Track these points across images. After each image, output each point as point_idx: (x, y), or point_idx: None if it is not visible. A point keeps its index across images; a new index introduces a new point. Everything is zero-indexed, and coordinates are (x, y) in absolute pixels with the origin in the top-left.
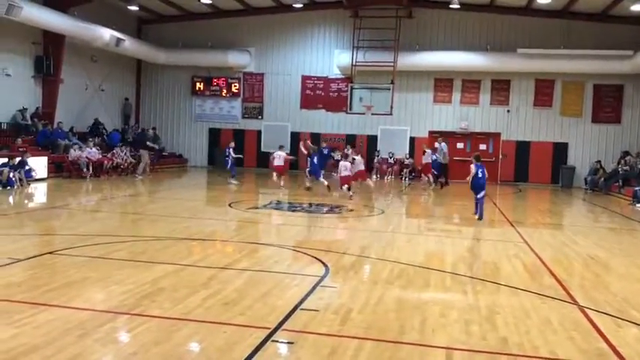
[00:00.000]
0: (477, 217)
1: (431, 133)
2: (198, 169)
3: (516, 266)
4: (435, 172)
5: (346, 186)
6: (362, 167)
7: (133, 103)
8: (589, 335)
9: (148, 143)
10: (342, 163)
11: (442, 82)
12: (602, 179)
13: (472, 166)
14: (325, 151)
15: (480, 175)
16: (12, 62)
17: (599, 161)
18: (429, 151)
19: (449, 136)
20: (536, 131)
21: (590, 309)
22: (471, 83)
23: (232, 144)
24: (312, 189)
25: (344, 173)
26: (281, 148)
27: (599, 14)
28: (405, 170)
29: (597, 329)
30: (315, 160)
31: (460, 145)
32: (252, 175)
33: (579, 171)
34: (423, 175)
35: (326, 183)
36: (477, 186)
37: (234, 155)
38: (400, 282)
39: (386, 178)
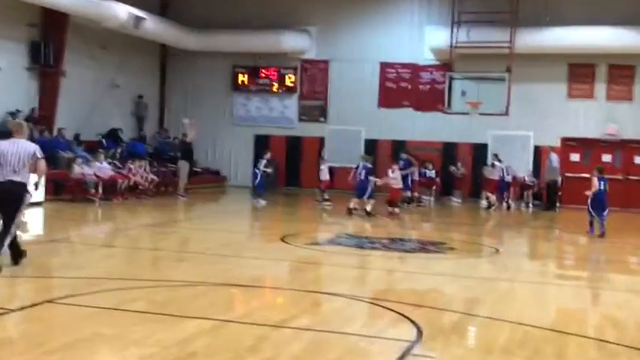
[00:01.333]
0: (596, 234)
1: (564, 140)
2: (241, 189)
3: None
4: (503, 191)
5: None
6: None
7: (155, 102)
8: None
9: (188, 139)
10: (391, 174)
11: (580, 70)
12: None
13: (594, 179)
14: (401, 164)
15: (602, 188)
16: (1, 50)
17: None
18: (498, 164)
19: (591, 145)
20: None
21: None
22: (621, 70)
23: (267, 155)
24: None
25: (393, 184)
26: (323, 159)
27: None
28: (526, 193)
29: None
30: (363, 173)
31: (607, 158)
32: (312, 198)
33: None
34: (483, 193)
35: (368, 208)
36: (598, 203)
37: (263, 169)
38: (525, 351)
39: (504, 202)
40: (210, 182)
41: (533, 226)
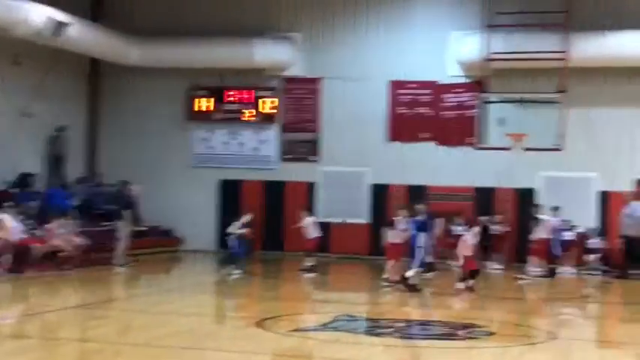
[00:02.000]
0: None
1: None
2: (201, 255)
3: None
4: (554, 254)
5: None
6: None
7: (82, 137)
8: None
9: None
10: (466, 236)
11: None
12: None
13: None
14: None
15: None
16: None
17: None
18: (545, 217)
19: None
20: None
21: None
22: None
23: (246, 217)
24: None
25: (465, 251)
26: (304, 212)
27: None
28: (591, 257)
29: None
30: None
31: None
32: (299, 267)
33: None
34: (532, 257)
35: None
36: None
37: (237, 232)
38: None
39: (558, 267)
40: (159, 245)
41: (602, 301)
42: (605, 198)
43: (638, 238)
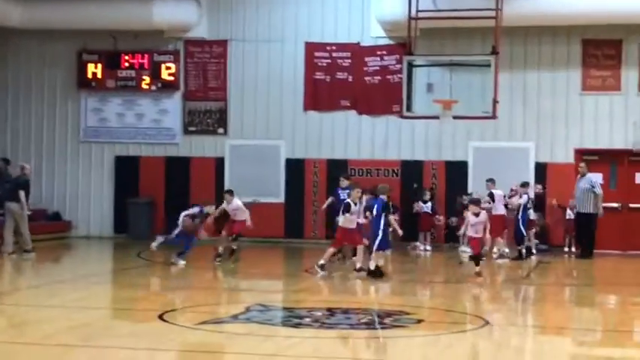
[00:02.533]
0: None
1: (579, 153)
2: (95, 241)
3: None
4: (523, 233)
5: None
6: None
7: None
8: None
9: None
10: (473, 218)
11: (599, 49)
12: None
13: None
14: (342, 196)
15: None
16: None
17: None
18: (498, 192)
19: (620, 160)
20: None
21: None
22: None
23: (208, 206)
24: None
25: (472, 233)
26: (230, 193)
27: None
28: (529, 232)
29: None
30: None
31: None
32: (208, 251)
33: None
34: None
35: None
36: None
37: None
38: None
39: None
40: (45, 231)
41: (540, 283)
42: (542, 170)
43: (593, 215)
